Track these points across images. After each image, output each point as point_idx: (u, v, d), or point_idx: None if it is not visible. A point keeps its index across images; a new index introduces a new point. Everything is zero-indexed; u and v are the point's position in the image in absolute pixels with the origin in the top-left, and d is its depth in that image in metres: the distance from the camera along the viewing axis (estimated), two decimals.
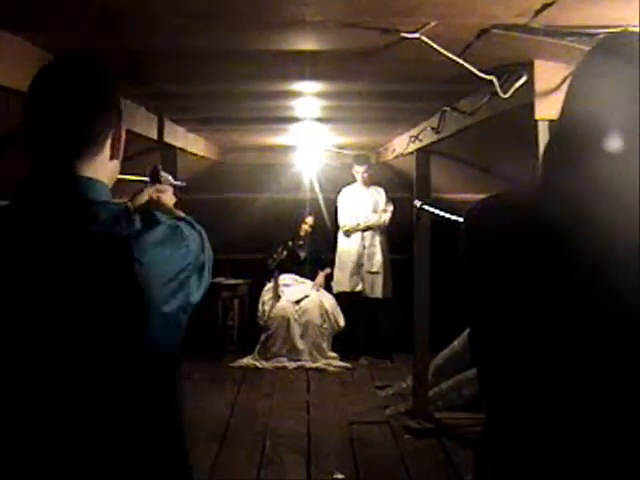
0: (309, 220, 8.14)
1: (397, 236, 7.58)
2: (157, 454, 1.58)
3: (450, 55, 2.54)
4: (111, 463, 1.51)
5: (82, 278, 1.46)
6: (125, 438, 1.53)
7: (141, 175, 2.53)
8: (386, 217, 7.68)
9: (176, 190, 2.15)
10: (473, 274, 1.43)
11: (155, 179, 2.15)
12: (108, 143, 1.60)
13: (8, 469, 1.49)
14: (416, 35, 2.36)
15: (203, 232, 1.73)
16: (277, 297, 7.79)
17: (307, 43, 2.73)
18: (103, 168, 1.60)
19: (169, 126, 4.98)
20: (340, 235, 7.84)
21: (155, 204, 1.99)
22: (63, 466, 1.48)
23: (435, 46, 2.43)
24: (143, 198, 2.00)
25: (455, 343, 6.18)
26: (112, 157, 1.62)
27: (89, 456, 1.49)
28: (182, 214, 1.91)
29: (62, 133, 1.55)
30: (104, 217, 1.50)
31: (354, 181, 7.82)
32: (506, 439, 1.37)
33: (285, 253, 8.02)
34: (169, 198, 2.06)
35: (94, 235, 1.47)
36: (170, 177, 2.24)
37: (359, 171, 7.70)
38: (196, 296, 1.61)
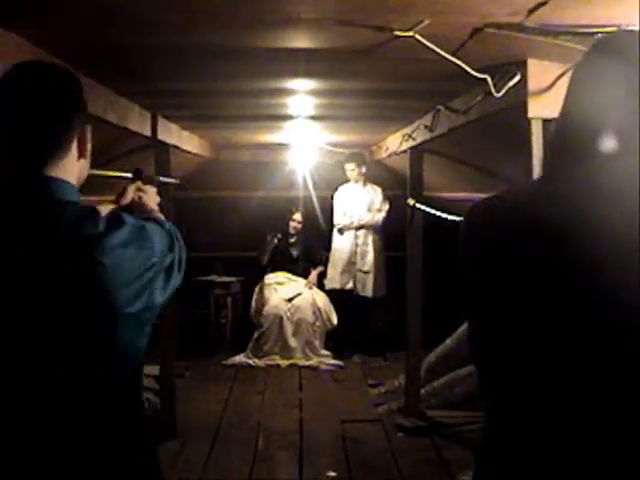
0: (297, 216, 8.14)
1: (392, 234, 7.59)
2: (122, 453, 1.59)
3: (443, 54, 2.54)
4: (75, 462, 1.52)
5: (45, 279, 1.46)
6: (89, 437, 1.53)
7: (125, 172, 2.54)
8: (379, 217, 7.67)
9: (160, 190, 2.16)
10: (473, 273, 1.43)
11: (138, 180, 2.15)
12: (74, 143, 1.61)
13: None
14: (410, 33, 2.36)
15: (174, 231, 1.74)
16: (262, 298, 7.80)
17: (301, 41, 2.73)
18: (71, 168, 1.61)
19: (163, 123, 4.97)
20: (335, 233, 7.84)
21: (137, 205, 2.01)
22: (28, 463, 1.49)
23: (429, 44, 2.43)
24: (127, 199, 2.01)
25: (448, 341, 6.19)
26: (80, 157, 1.64)
27: (53, 455, 1.50)
28: (161, 216, 1.93)
29: (27, 136, 1.56)
30: (69, 218, 1.51)
31: (349, 180, 7.82)
32: (506, 438, 1.37)
33: (275, 241, 8.03)
34: (152, 199, 2.07)
35: (59, 236, 1.48)
36: (162, 178, 2.24)
37: (347, 169, 7.71)
38: (163, 296, 1.61)
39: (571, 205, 1.25)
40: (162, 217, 1.93)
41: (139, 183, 2.08)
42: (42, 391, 1.49)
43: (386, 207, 7.69)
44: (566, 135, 1.34)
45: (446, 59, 2.59)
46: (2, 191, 1.57)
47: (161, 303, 1.61)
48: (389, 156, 6.78)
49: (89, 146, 1.66)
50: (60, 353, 1.48)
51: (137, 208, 1.98)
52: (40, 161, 1.55)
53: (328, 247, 7.93)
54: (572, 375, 1.24)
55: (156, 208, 2.04)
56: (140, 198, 2.03)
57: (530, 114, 2.83)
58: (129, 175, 2.20)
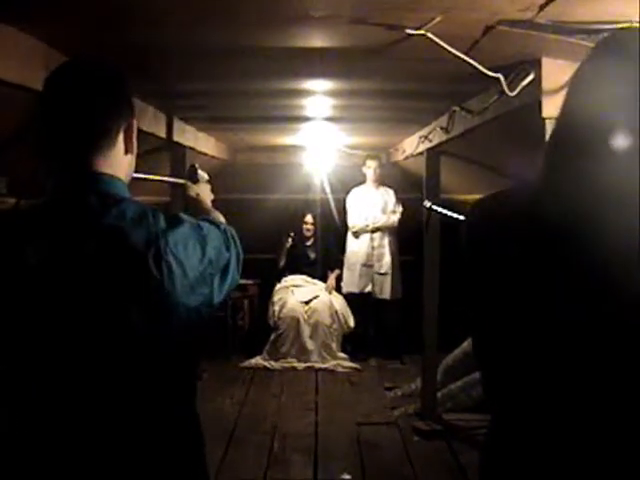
0: (308, 219, 8.15)
1: (405, 237, 7.58)
2: (177, 449, 1.61)
3: (456, 52, 2.53)
4: (130, 453, 1.53)
5: (110, 274, 1.48)
6: (143, 433, 1.55)
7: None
8: (395, 218, 7.65)
9: (214, 187, 2.25)
10: (475, 272, 1.42)
11: (194, 178, 2.23)
12: (121, 137, 1.62)
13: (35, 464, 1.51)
14: (421, 31, 2.35)
15: (231, 232, 1.76)
16: (279, 300, 7.82)
17: (315, 40, 2.73)
18: (119, 163, 1.62)
19: (178, 125, 4.98)
20: (349, 236, 7.82)
21: (195, 202, 2.12)
22: (87, 460, 1.50)
23: (441, 43, 2.42)
24: (189, 197, 2.15)
25: (465, 344, 6.15)
26: (126, 151, 1.65)
27: (112, 449, 1.52)
28: (220, 215, 2.00)
29: (75, 129, 1.57)
30: (131, 214, 1.52)
31: (364, 182, 7.80)
32: (511, 439, 1.36)
33: (290, 241, 8.05)
34: (207, 195, 2.19)
35: (122, 232, 1.50)
36: (206, 175, 2.33)
37: (371, 166, 7.66)
38: (219, 295, 1.64)
39: (572, 204, 1.24)
40: (220, 216, 1.99)
41: (198, 184, 2.20)
42: (97, 375, 1.50)
43: (400, 209, 7.66)
44: (567, 133, 1.33)
45: (459, 57, 2.58)
46: (59, 190, 1.58)
47: (218, 302, 1.65)
48: (406, 158, 6.77)
49: (135, 141, 1.67)
50: (122, 346, 1.50)
51: (193, 206, 2.08)
52: (88, 156, 1.57)
53: (343, 250, 7.92)
54: (576, 373, 1.22)
55: (210, 206, 2.13)
56: (198, 195, 2.10)
57: (544, 114, 2.80)
58: (180, 181, 2.28)
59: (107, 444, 1.51)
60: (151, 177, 2.43)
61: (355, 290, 7.74)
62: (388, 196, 7.76)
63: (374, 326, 7.82)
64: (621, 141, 1.21)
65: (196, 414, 1.69)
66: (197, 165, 2.33)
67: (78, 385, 1.49)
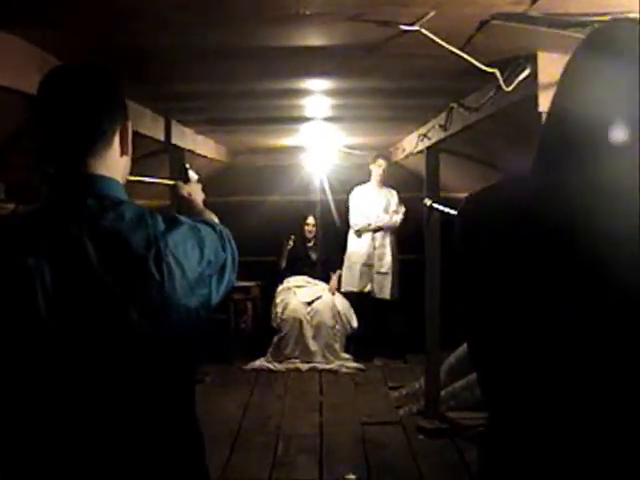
0: (310, 220, 8.15)
1: (405, 236, 7.58)
2: (174, 450, 1.60)
3: (451, 47, 2.52)
4: (130, 454, 1.53)
5: (110, 276, 1.48)
6: (141, 435, 1.54)
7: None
8: (397, 218, 7.64)
9: (213, 189, 2.25)
10: (468, 266, 1.41)
11: (185, 178, 2.23)
12: (116, 138, 1.62)
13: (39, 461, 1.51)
14: (415, 27, 2.34)
15: (226, 233, 1.78)
16: (282, 302, 7.82)
17: (309, 38, 2.71)
18: (115, 164, 1.62)
19: (176, 128, 4.98)
20: (350, 235, 7.81)
21: (186, 203, 2.12)
22: (83, 458, 1.50)
23: (435, 38, 2.41)
24: (181, 197, 2.16)
25: None
26: (122, 153, 1.65)
27: (109, 445, 1.51)
28: (213, 215, 2.01)
29: (69, 132, 1.57)
30: (129, 216, 1.53)
31: (366, 181, 7.79)
32: (508, 435, 1.36)
33: (290, 243, 8.05)
34: (199, 195, 2.20)
35: (121, 234, 1.50)
36: (196, 175, 2.33)
37: (382, 165, 7.61)
38: (217, 296, 1.66)
39: (567, 198, 1.24)
40: (214, 217, 2.00)
41: (189, 184, 2.20)
42: (95, 376, 1.49)
43: (402, 209, 7.65)
44: (559, 127, 1.32)
45: (454, 53, 2.57)
46: (56, 193, 1.58)
47: (216, 303, 1.66)
48: (406, 157, 6.76)
49: (130, 143, 1.68)
50: (120, 344, 1.50)
51: (186, 206, 2.09)
52: (85, 158, 1.57)
53: (344, 249, 7.91)
54: (573, 367, 1.21)
55: (203, 206, 2.14)
56: (189, 195, 2.11)
57: (541, 108, 2.79)
58: (170, 182, 2.28)
59: (105, 444, 1.50)
60: (142, 179, 2.42)
61: (354, 289, 7.73)
62: (391, 195, 7.75)
63: (376, 326, 7.81)
64: (611, 134, 1.21)
65: (195, 416, 1.69)
66: (188, 165, 2.33)
67: (75, 385, 1.48)
